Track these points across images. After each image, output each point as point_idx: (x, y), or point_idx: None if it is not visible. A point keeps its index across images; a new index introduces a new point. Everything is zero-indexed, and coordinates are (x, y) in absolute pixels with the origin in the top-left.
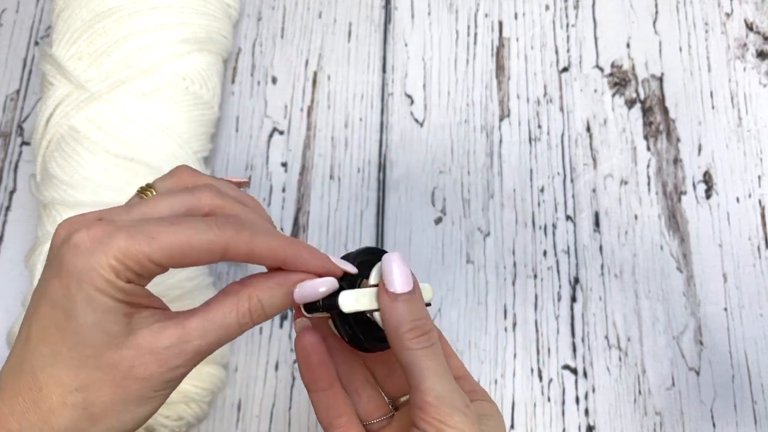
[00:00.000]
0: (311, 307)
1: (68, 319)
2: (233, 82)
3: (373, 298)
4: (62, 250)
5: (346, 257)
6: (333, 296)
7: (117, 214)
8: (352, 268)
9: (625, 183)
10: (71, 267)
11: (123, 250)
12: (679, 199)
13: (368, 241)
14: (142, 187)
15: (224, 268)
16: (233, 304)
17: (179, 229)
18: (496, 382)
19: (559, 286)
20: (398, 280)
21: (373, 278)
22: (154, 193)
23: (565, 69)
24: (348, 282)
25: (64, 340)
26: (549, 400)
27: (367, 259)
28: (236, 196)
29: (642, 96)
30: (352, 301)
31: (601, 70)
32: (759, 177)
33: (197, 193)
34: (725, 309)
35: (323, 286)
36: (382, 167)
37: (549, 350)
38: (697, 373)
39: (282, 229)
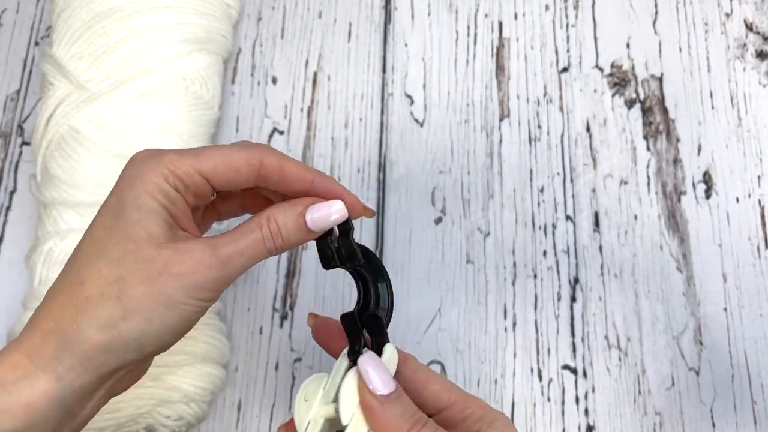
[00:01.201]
0: None
1: (116, 218)
2: (233, 82)
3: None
4: (123, 170)
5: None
6: None
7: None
8: (369, 206)
9: (625, 183)
10: (126, 174)
11: (173, 159)
12: (679, 199)
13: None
14: None
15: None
16: (256, 222)
17: (222, 149)
18: (496, 382)
19: (559, 286)
20: (381, 381)
21: (345, 407)
22: None
23: (565, 69)
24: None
25: (110, 237)
26: (549, 400)
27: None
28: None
29: (642, 96)
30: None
31: (601, 70)
32: (759, 177)
33: (258, 146)
34: (725, 309)
35: (332, 207)
36: (382, 167)
37: (549, 350)
38: (697, 373)
39: None
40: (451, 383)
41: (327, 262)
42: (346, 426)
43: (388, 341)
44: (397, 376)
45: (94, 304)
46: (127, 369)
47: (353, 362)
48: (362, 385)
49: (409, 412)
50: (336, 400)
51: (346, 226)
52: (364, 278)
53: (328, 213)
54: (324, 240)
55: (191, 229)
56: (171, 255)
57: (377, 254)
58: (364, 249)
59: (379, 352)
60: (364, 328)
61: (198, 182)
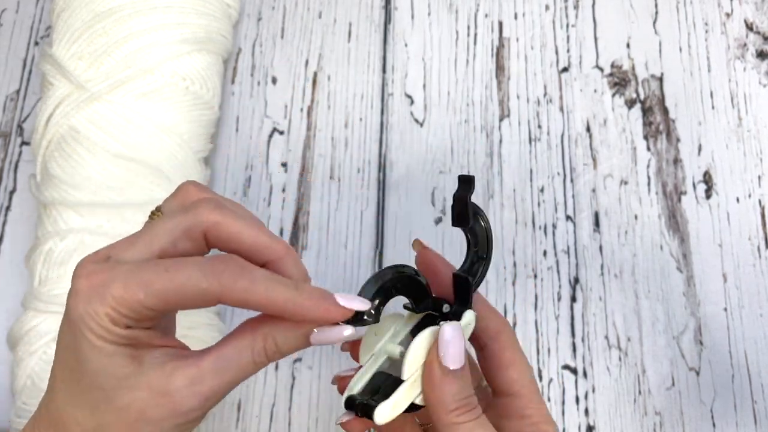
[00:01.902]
0: (349, 405)
1: (78, 363)
2: (233, 82)
3: (409, 394)
4: (71, 298)
5: (367, 284)
6: (368, 408)
7: (123, 249)
8: (361, 305)
9: (625, 183)
10: (74, 314)
11: (118, 299)
12: (679, 199)
13: (368, 242)
14: (152, 211)
15: None
16: (249, 343)
17: (173, 276)
18: None
19: (559, 286)
20: (452, 355)
21: (410, 361)
22: (161, 215)
23: (565, 69)
24: (361, 319)
25: (78, 383)
26: (549, 400)
27: (387, 284)
28: (235, 209)
29: (642, 96)
30: (388, 410)
31: (601, 70)
32: (759, 177)
33: (195, 210)
34: (725, 309)
35: (338, 333)
36: (382, 167)
37: (549, 350)
38: (697, 373)
39: (282, 230)
40: (531, 375)
41: (349, 407)
42: (402, 379)
43: (471, 308)
44: (484, 348)
45: None
46: None
47: (436, 319)
48: (434, 350)
49: (463, 393)
50: (404, 344)
51: (464, 189)
52: (474, 241)
53: (331, 334)
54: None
55: (165, 341)
56: (146, 398)
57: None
58: (481, 214)
59: (459, 316)
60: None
61: (149, 314)
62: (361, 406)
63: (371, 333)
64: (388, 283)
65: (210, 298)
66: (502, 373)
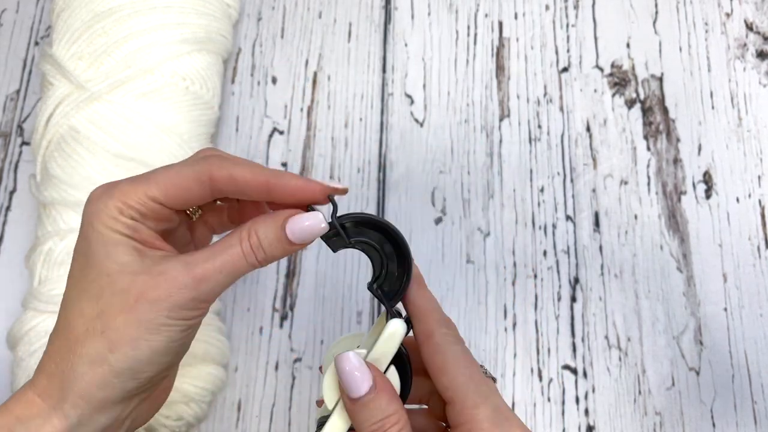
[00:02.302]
0: None
1: (87, 257)
2: (233, 82)
3: (338, 424)
4: (84, 207)
5: (343, 216)
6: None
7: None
8: (338, 185)
9: (625, 183)
10: (86, 215)
11: (124, 191)
12: (679, 199)
13: None
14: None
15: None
16: (237, 238)
17: (172, 169)
18: (496, 382)
19: (559, 286)
20: (353, 383)
21: (327, 393)
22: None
23: (565, 69)
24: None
25: (86, 276)
26: (549, 400)
27: (360, 225)
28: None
29: (642, 96)
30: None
31: (601, 70)
32: (759, 177)
33: (204, 159)
34: (725, 309)
35: (312, 219)
36: (382, 167)
37: (549, 350)
38: (697, 373)
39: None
40: (467, 376)
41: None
42: (331, 411)
43: (395, 317)
44: (416, 350)
45: (82, 342)
46: (138, 399)
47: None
48: (339, 383)
49: (374, 418)
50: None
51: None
52: (371, 255)
53: (309, 225)
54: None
55: (166, 247)
56: (145, 280)
57: None
58: (366, 218)
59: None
60: (378, 298)
61: (153, 208)
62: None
63: (330, 357)
64: (365, 222)
65: (203, 178)
66: (438, 381)
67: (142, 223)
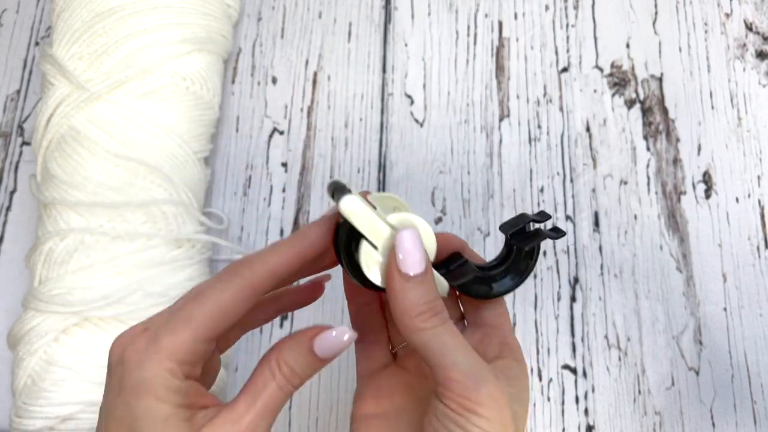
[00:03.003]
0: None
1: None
2: (233, 82)
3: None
4: (118, 370)
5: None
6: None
7: (159, 318)
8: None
9: (625, 183)
10: (129, 384)
11: (171, 347)
12: (679, 199)
13: None
14: None
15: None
16: (269, 371)
17: (204, 296)
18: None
19: (559, 286)
20: (411, 261)
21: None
22: None
23: (565, 69)
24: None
25: None
26: (549, 399)
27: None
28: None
29: (642, 96)
30: (353, 203)
31: (601, 70)
32: (759, 177)
33: (228, 277)
34: (725, 309)
35: (341, 336)
36: (382, 167)
37: (549, 350)
38: (697, 373)
39: (282, 230)
40: (506, 309)
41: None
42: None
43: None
44: (478, 311)
45: None
46: None
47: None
48: (392, 257)
49: (426, 298)
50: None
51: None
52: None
53: (338, 342)
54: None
55: (208, 399)
56: None
57: None
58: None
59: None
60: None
61: (202, 349)
62: (336, 186)
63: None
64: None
65: (245, 289)
66: (491, 306)
67: (192, 378)
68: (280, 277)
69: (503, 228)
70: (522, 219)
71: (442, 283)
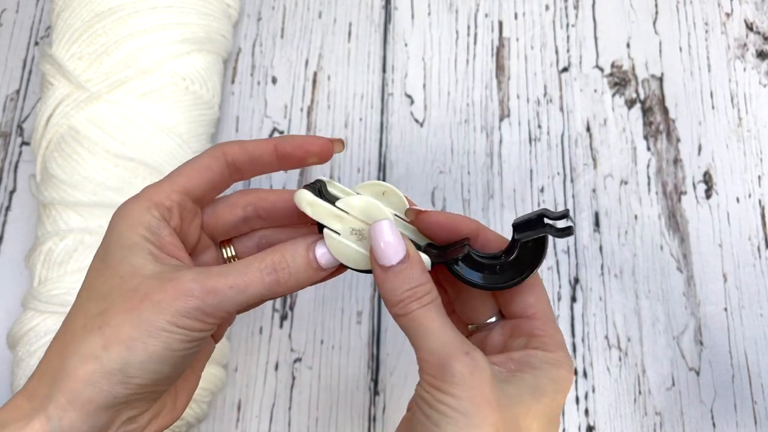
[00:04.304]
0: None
1: (103, 260)
2: (233, 82)
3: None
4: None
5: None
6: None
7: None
8: (336, 137)
9: (625, 183)
10: (111, 220)
11: (150, 190)
12: (679, 199)
13: None
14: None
15: None
16: (258, 257)
17: (189, 161)
18: None
19: (559, 286)
20: (386, 252)
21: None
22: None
23: (565, 69)
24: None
25: (98, 278)
26: None
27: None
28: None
29: (642, 96)
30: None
31: (601, 70)
32: (759, 177)
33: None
34: (725, 309)
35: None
36: (382, 167)
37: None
38: (697, 373)
39: None
40: (549, 305)
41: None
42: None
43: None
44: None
45: (78, 338)
46: (128, 412)
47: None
48: (371, 250)
49: (405, 287)
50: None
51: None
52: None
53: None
54: None
55: (184, 258)
56: (154, 284)
57: None
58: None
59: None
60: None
61: (177, 199)
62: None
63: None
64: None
65: (218, 156)
66: (519, 298)
67: (167, 222)
68: (251, 154)
69: (514, 222)
70: (538, 214)
71: (425, 259)
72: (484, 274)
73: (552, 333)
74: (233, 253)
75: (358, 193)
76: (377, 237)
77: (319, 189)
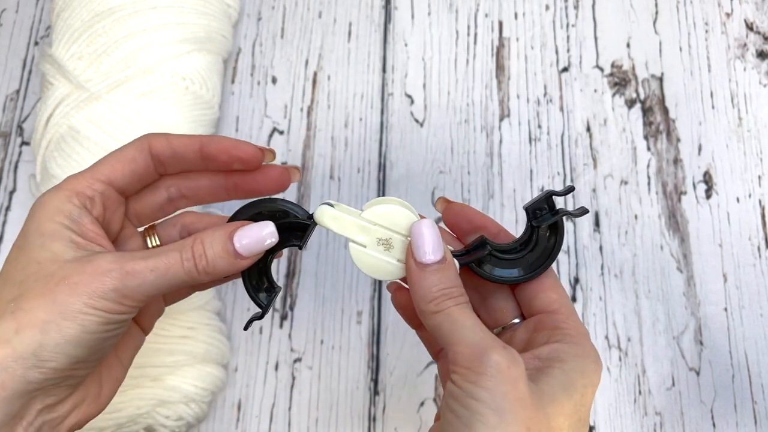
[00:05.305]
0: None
1: (21, 248)
2: (233, 82)
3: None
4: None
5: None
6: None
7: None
8: (267, 147)
9: (625, 183)
10: (30, 213)
11: (71, 180)
12: (679, 199)
13: None
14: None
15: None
16: (180, 242)
17: (114, 151)
18: None
19: None
20: (428, 249)
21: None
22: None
23: (565, 69)
24: (289, 227)
25: (15, 266)
26: None
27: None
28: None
29: (642, 96)
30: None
31: (601, 70)
32: (759, 177)
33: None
34: (725, 309)
35: (264, 230)
36: (382, 167)
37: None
38: (697, 373)
39: None
40: (570, 303)
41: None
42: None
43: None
44: (531, 288)
45: None
46: (44, 399)
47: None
48: (410, 246)
49: (441, 285)
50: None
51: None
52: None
53: (259, 237)
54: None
55: (106, 245)
56: (72, 267)
57: None
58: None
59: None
60: None
61: (100, 189)
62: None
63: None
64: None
65: (144, 148)
66: (541, 295)
67: (89, 211)
68: (175, 150)
69: (526, 206)
70: (546, 195)
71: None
72: (509, 268)
73: (575, 325)
74: (158, 243)
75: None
76: (419, 234)
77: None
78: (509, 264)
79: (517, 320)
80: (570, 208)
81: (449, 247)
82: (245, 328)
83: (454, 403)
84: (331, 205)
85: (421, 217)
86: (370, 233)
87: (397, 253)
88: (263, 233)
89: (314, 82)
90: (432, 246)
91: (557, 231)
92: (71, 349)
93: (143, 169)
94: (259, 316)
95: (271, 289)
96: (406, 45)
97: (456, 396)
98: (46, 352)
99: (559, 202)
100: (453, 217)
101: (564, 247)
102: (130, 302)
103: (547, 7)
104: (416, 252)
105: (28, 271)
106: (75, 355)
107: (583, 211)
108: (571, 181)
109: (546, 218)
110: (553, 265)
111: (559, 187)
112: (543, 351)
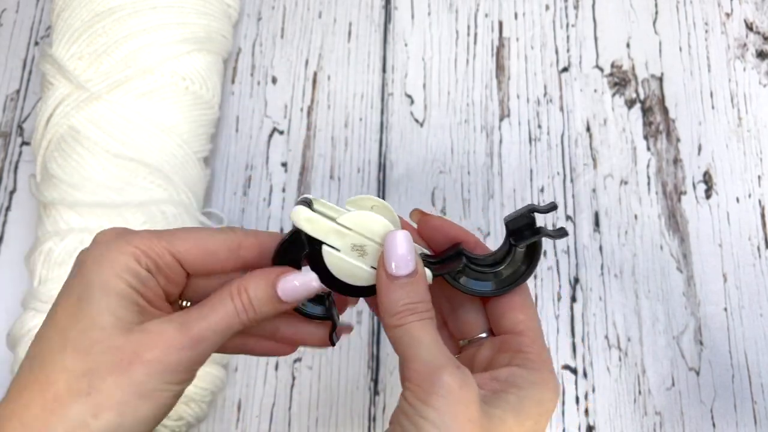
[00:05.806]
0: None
1: (81, 302)
2: (233, 82)
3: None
4: (85, 250)
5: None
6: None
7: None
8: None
9: (625, 183)
10: (92, 255)
11: (144, 239)
12: (679, 199)
13: None
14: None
15: None
16: (227, 291)
17: (198, 231)
18: None
19: (559, 286)
20: (400, 262)
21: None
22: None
23: (565, 69)
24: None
25: (75, 325)
26: None
27: (520, 222)
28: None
29: (642, 96)
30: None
31: (601, 70)
32: (759, 177)
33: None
34: (725, 309)
35: (306, 277)
36: (382, 167)
37: (549, 350)
38: (697, 373)
39: (282, 230)
40: (538, 324)
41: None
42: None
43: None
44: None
45: (63, 403)
46: None
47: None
48: (382, 256)
49: (408, 300)
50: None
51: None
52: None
53: (303, 283)
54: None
55: (165, 309)
56: (140, 340)
57: None
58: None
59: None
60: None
61: (170, 264)
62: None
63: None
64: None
65: (232, 249)
66: (509, 314)
67: (155, 277)
68: (266, 250)
69: (507, 221)
70: (528, 210)
71: (428, 274)
72: (484, 282)
73: (539, 351)
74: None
75: (347, 209)
76: (392, 246)
77: (308, 206)
78: (482, 276)
79: (484, 334)
80: (570, 207)
81: (425, 250)
82: (333, 344)
83: (404, 419)
84: (310, 202)
85: (403, 220)
86: (345, 238)
87: (371, 260)
88: (306, 278)
89: (314, 82)
90: (403, 259)
91: (534, 251)
92: (144, 427)
93: (221, 266)
94: (334, 328)
95: (321, 297)
96: (406, 45)
97: (406, 412)
98: (122, 431)
99: (561, 200)
100: (429, 231)
101: (564, 247)
102: (198, 366)
103: (547, 7)
104: (387, 263)
105: (93, 337)
106: (147, 425)
107: (562, 234)
108: (571, 181)
109: (525, 237)
110: (551, 269)
111: (558, 187)
112: (502, 373)
